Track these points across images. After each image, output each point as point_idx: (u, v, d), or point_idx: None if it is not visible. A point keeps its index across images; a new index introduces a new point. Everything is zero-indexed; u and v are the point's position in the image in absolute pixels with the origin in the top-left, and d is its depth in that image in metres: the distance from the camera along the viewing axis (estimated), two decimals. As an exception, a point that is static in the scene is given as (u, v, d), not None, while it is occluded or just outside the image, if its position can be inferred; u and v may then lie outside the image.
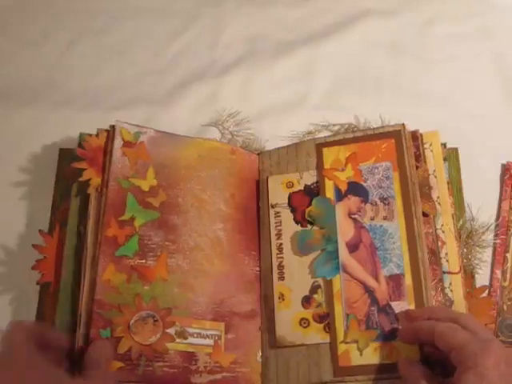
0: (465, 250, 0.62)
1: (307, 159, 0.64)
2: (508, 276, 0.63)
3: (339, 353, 0.55)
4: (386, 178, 0.61)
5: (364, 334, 0.55)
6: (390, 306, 0.56)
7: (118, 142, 0.61)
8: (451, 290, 0.58)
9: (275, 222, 0.62)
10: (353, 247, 0.59)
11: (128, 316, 0.55)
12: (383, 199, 0.60)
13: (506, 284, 0.63)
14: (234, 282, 0.61)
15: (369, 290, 0.57)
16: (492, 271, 0.63)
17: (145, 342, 0.55)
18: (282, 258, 0.60)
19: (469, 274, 0.61)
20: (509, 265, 0.63)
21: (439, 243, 0.59)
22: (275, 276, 0.60)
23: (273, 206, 0.63)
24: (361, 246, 0.59)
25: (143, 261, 0.58)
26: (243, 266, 0.62)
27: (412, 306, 0.55)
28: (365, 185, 0.61)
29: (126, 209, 0.59)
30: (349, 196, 0.61)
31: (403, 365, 0.51)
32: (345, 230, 0.60)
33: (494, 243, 0.64)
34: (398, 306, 0.56)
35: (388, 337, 0.55)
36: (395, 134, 0.62)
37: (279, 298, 0.59)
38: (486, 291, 0.61)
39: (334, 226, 0.60)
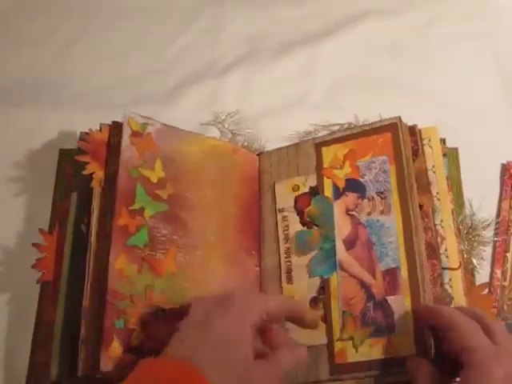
0: (466, 247, 0.62)
1: (307, 159, 0.64)
2: (508, 275, 0.63)
3: (336, 350, 0.55)
4: (382, 171, 0.60)
5: (360, 330, 0.55)
6: (386, 301, 0.55)
7: (126, 132, 0.61)
8: (451, 286, 0.58)
9: (283, 226, 0.62)
10: (350, 244, 0.59)
11: (140, 307, 0.55)
12: (380, 193, 0.60)
13: (506, 284, 0.62)
14: (236, 282, 0.61)
15: (365, 286, 0.57)
16: (492, 271, 0.63)
17: (156, 335, 0.54)
18: (290, 261, 0.61)
19: (469, 273, 0.61)
20: (509, 264, 0.63)
21: (439, 239, 0.59)
22: (284, 280, 0.60)
23: (280, 211, 0.63)
24: (357, 242, 0.59)
25: (153, 253, 0.58)
26: (244, 265, 0.62)
27: (408, 300, 0.55)
28: (362, 180, 0.61)
29: (136, 199, 0.59)
30: (347, 193, 0.61)
31: (412, 362, 0.51)
32: (342, 228, 0.60)
33: (494, 241, 0.64)
34: (394, 301, 0.55)
35: (383, 332, 0.54)
36: (392, 127, 0.61)
37: None
38: (486, 289, 0.61)
39: (331, 224, 0.60)
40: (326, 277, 0.58)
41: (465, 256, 0.61)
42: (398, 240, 0.57)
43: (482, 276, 0.63)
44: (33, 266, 0.60)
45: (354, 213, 0.60)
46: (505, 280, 0.63)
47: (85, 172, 0.60)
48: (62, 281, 0.58)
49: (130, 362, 0.52)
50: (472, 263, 0.62)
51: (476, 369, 0.44)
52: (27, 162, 0.71)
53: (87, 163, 0.60)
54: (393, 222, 0.58)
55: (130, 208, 0.58)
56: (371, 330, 0.55)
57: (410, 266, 0.56)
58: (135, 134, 0.61)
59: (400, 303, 0.55)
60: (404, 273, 0.56)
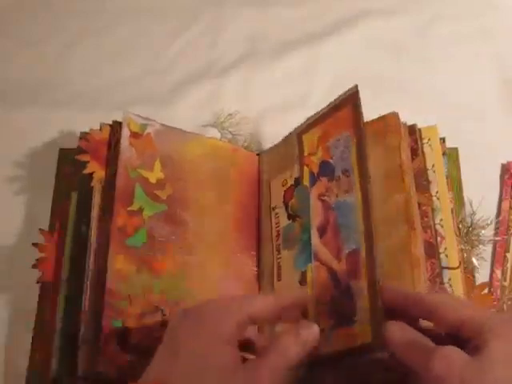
0: (466, 247, 0.62)
1: (293, 151, 0.62)
2: (508, 276, 0.63)
3: None
4: (346, 148, 0.56)
5: (327, 321, 0.51)
6: (349, 287, 0.50)
7: (125, 132, 0.61)
8: (450, 286, 0.57)
9: (275, 224, 0.62)
10: (322, 231, 0.56)
11: (137, 308, 0.55)
12: (345, 171, 0.55)
13: (506, 284, 0.62)
14: (234, 281, 0.61)
15: (332, 273, 0.52)
16: (492, 271, 0.63)
17: (154, 335, 0.54)
18: (280, 258, 0.60)
19: (469, 273, 0.61)
20: (509, 264, 0.63)
21: (438, 238, 0.59)
22: (275, 277, 0.59)
23: (273, 209, 0.63)
24: (328, 228, 0.55)
25: (152, 253, 0.58)
26: (242, 265, 0.62)
27: (365, 283, 0.49)
28: (332, 161, 0.57)
29: (135, 199, 0.59)
30: (320, 178, 0.58)
31: (396, 328, 0.45)
32: (316, 215, 0.56)
33: (494, 241, 0.64)
34: (355, 285, 0.50)
35: (346, 320, 0.49)
36: (352, 98, 0.57)
37: None
38: (486, 289, 0.61)
39: (308, 213, 0.57)
40: (303, 269, 0.56)
41: (465, 256, 0.61)
42: (358, 218, 0.52)
43: (482, 276, 0.63)
44: (33, 266, 0.60)
45: (325, 198, 0.56)
46: (505, 280, 0.63)
47: (85, 171, 0.60)
48: (62, 281, 0.58)
49: (128, 361, 0.52)
50: (472, 263, 0.62)
51: (496, 331, 0.42)
52: (27, 162, 0.71)
53: (87, 162, 0.60)
54: (354, 200, 0.53)
55: (129, 209, 0.58)
56: (336, 318, 0.50)
57: (367, 246, 0.50)
58: (134, 135, 0.61)
59: (359, 288, 0.49)
60: (363, 253, 0.50)
